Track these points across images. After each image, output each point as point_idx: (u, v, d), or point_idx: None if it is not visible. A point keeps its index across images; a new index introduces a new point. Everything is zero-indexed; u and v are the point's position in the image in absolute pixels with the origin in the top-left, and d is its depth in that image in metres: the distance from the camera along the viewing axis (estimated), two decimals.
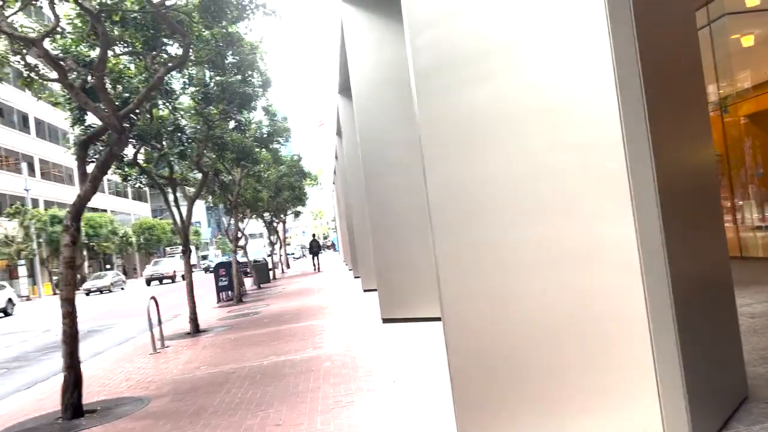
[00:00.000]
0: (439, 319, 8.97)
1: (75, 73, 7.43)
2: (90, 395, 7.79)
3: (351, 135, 14.21)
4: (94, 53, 9.37)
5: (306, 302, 16.35)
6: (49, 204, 56.65)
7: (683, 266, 3.24)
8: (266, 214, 32.85)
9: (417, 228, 9.17)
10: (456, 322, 3.80)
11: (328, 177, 44.80)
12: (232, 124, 15.54)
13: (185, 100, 14.74)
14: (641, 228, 3.11)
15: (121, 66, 11.34)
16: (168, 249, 71.62)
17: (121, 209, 75.52)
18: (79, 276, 51.96)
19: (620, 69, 3.14)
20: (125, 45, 9.33)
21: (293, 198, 33.35)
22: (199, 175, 15.15)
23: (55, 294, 46.64)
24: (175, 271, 48.26)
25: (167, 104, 12.96)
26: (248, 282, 26.75)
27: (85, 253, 59.06)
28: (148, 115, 12.19)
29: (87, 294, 43.51)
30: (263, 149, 20.66)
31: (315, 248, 36.55)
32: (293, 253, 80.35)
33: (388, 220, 9.76)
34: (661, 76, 3.37)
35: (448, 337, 3.86)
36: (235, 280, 19.89)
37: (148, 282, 48.29)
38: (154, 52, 9.01)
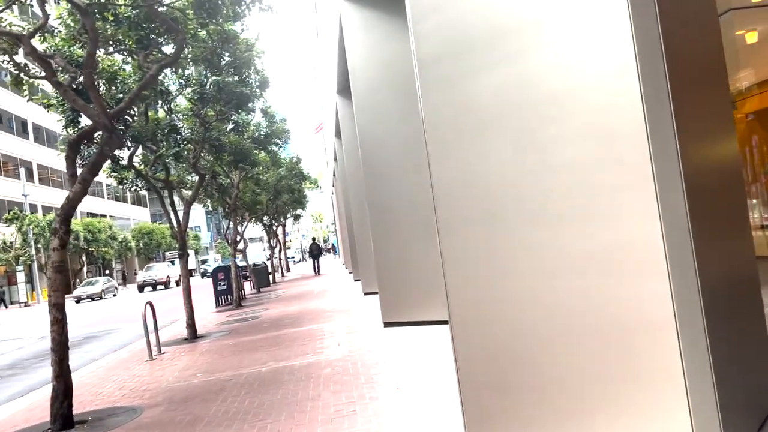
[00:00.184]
0: (442, 322, 8.68)
1: (65, 71, 7.17)
2: (82, 404, 7.56)
3: (350, 135, 13.97)
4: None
5: (306, 306, 16.11)
6: (47, 209, 56.45)
7: (712, 268, 2.97)
8: (265, 218, 32.60)
9: (419, 228, 8.93)
10: (465, 329, 3.54)
11: (327, 180, 44.61)
12: (229, 126, 15.32)
13: (182, 102, 14.52)
14: (667, 227, 2.84)
15: (116, 67, 11.13)
16: (168, 254, 71.44)
17: (121, 214, 75.39)
18: (79, 281, 52.06)
19: (641, 49, 2.88)
20: (118, 43, 9.08)
21: (293, 201, 33.12)
22: (197, 178, 14.90)
23: None
24: (168, 277, 46.80)
25: (163, 106, 12.74)
26: (248, 286, 26.52)
27: (84, 258, 58.91)
28: (144, 117, 11.97)
29: (77, 301, 41.53)
30: (261, 151, 20.43)
31: (315, 252, 36.76)
32: (293, 257, 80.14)
33: (388, 220, 9.50)
34: (684, 59, 3.11)
35: (457, 344, 3.60)
36: (234, 284, 19.66)
37: (141, 288, 46.57)
38: (146, 51, 8.76)
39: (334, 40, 12.30)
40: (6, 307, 47.82)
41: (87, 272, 59.56)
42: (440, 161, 3.59)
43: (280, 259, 41.90)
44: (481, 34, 3.36)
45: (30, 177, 56.24)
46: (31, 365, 13.25)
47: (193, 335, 12.51)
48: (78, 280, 53.73)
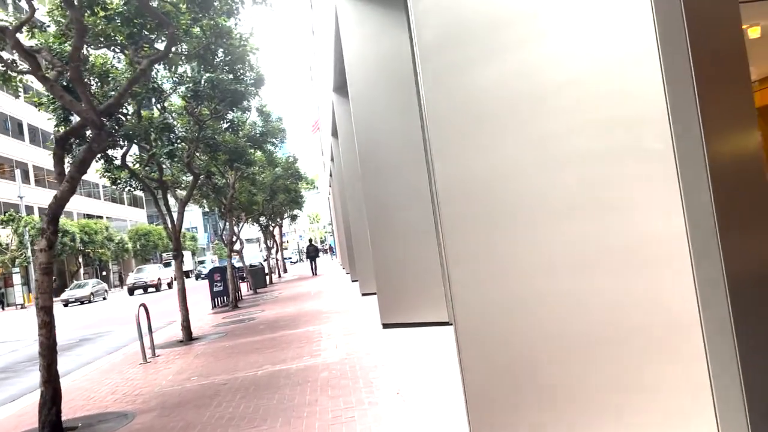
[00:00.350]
0: (443, 323, 8.43)
1: (52, 66, 6.94)
2: (73, 410, 7.34)
3: (347, 133, 13.75)
4: None
5: (303, 307, 15.89)
6: (43, 211, 56.02)
7: (739, 265, 2.75)
8: (262, 218, 32.37)
9: (419, 226, 8.71)
10: (471, 332, 3.31)
11: (324, 181, 44.39)
12: (224, 125, 15.10)
13: (176, 101, 14.30)
14: (691, 220, 2.62)
15: (108, 66, 10.90)
16: (165, 255, 71.14)
17: (117, 215, 75.06)
18: (76, 282, 51.74)
19: (662, 33, 2.66)
20: (108, 39, 8.85)
21: (289, 201, 32.89)
22: (192, 178, 14.66)
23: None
24: (159, 279, 45.66)
25: (157, 104, 12.52)
26: (244, 287, 26.29)
27: (80, 260, 58.59)
28: (137, 116, 11.73)
29: (65, 305, 39.83)
30: (257, 150, 20.20)
31: (312, 252, 36.70)
32: (290, 258, 79.87)
33: (387, 217, 9.26)
34: (706, 42, 2.89)
35: (462, 348, 3.37)
36: (230, 286, 19.44)
37: (131, 291, 45.16)
38: (137, 46, 8.53)
39: (330, 35, 12.08)
40: (2, 308, 47.52)
41: (84, 274, 59.21)
42: (443, 155, 3.36)
43: (276, 259, 41.69)
44: (488, 17, 3.14)
45: (26, 178, 55.93)
46: (24, 368, 13.01)
47: (189, 337, 12.29)
48: (75, 282, 53.42)
